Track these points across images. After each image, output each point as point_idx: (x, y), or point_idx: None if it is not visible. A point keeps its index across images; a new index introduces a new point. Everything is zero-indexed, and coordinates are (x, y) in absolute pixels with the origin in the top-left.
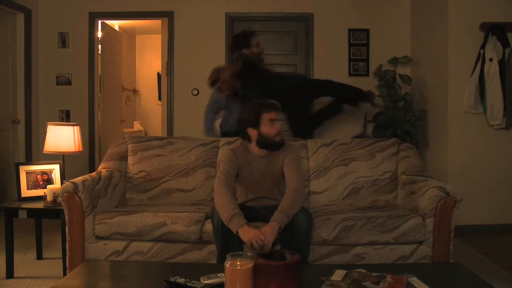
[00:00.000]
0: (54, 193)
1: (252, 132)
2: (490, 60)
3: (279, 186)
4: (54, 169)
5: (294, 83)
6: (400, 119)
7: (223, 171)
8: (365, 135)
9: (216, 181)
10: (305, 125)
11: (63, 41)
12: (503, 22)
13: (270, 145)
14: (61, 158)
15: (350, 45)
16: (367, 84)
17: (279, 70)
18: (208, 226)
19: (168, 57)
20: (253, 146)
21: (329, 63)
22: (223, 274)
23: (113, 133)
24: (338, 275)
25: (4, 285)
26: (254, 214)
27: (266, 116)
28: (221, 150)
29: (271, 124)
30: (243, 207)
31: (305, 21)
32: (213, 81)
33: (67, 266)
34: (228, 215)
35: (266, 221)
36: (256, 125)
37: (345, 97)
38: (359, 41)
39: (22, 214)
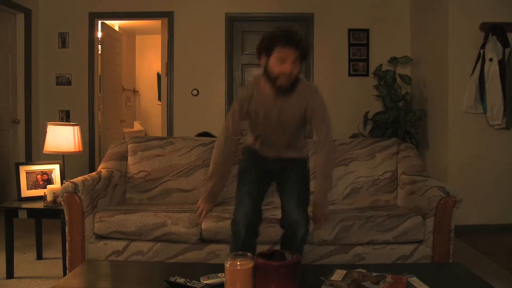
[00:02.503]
0: (54, 193)
1: (263, 60)
2: (490, 60)
3: (295, 134)
4: (54, 169)
5: None
6: (400, 119)
7: (231, 117)
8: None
9: (224, 124)
10: None
11: (63, 41)
12: (503, 22)
13: (272, 83)
14: (61, 158)
15: (350, 45)
16: (367, 84)
17: None
18: (208, 225)
19: (168, 57)
20: (264, 82)
21: (329, 63)
22: (223, 274)
23: (113, 133)
24: (338, 275)
25: (4, 285)
26: (265, 168)
27: (277, 50)
28: None
29: (279, 62)
30: (254, 154)
31: (305, 21)
32: None
33: (67, 266)
34: (207, 176)
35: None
36: (267, 53)
37: None
38: (359, 41)
39: (22, 214)
